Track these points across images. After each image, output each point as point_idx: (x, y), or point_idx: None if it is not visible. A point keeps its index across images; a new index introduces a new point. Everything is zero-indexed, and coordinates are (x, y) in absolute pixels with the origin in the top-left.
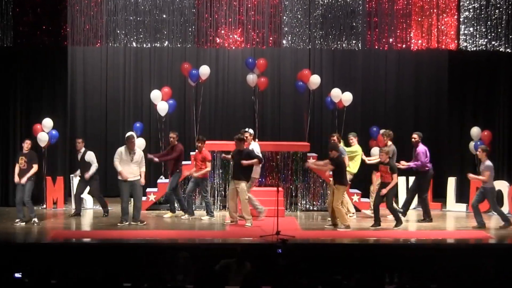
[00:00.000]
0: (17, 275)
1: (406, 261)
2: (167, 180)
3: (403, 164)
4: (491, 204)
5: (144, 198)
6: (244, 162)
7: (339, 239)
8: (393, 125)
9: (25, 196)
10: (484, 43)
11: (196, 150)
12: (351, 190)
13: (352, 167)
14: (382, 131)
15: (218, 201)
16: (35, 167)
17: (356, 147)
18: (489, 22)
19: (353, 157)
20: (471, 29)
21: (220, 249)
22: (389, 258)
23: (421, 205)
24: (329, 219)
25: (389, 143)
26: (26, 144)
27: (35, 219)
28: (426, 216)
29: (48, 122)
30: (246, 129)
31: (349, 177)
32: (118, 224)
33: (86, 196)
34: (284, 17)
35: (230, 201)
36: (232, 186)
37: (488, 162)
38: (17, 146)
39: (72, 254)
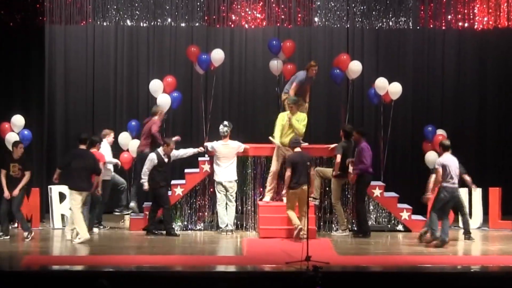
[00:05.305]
0: None
1: None
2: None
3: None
4: None
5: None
6: None
7: (386, 267)
8: (452, 123)
9: (14, 206)
10: None
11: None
12: (401, 205)
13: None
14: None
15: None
16: (27, 175)
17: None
18: None
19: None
20: None
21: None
22: None
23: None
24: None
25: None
26: (19, 149)
27: (27, 234)
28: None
29: (18, 120)
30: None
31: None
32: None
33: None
34: None
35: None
36: None
37: None
38: None
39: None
